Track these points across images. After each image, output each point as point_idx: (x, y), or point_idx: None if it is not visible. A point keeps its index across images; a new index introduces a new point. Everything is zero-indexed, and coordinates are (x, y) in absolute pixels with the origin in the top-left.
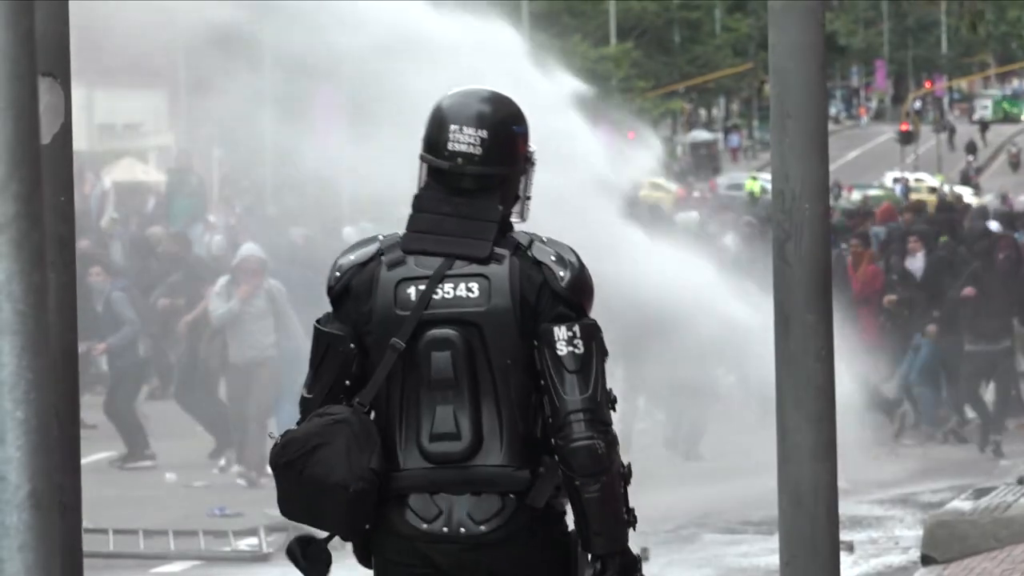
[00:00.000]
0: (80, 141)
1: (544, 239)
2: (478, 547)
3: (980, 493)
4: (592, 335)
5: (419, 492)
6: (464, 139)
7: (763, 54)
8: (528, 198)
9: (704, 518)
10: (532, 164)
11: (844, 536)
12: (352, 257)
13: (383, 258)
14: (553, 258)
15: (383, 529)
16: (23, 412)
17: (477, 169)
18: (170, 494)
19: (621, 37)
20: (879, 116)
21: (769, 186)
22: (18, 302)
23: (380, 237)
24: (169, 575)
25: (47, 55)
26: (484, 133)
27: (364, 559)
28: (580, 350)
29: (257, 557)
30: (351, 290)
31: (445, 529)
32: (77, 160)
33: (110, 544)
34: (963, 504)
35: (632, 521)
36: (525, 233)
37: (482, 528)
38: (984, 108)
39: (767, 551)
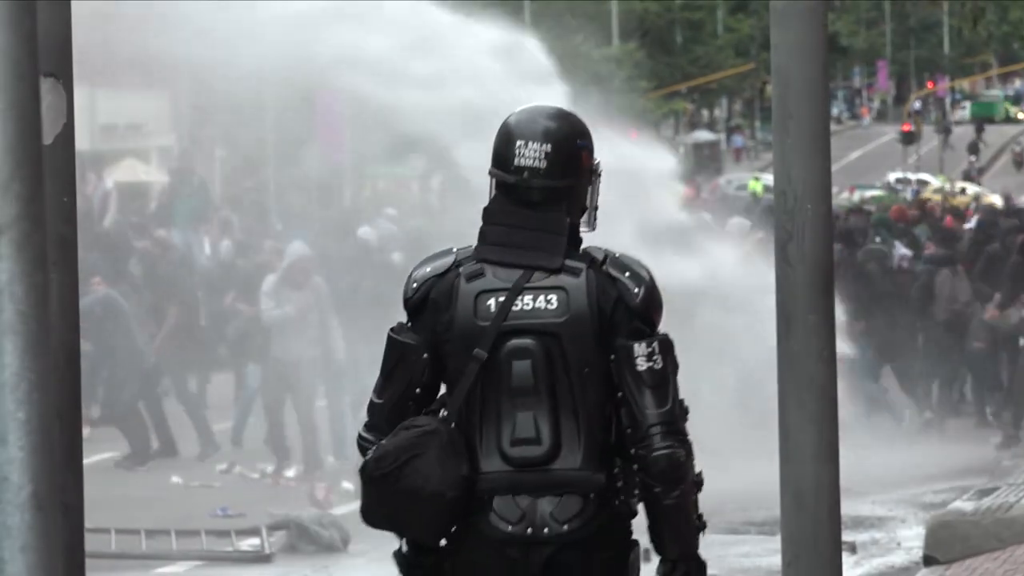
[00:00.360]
0: (82, 141)
1: (617, 255)
2: (561, 547)
3: (982, 493)
4: (667, 350)
5: (501, 495)
6: (530, 154)
7: (765, 55)
8: (596, 208)
9: (706, 518)
10: (597, 176)
11: (846, 536)
12: (428, 269)
13: (461, 270)
14: (628, 274)
15: (467, 532)
16: (25, 413)
17: (542, 182)
18: (172, 494)
19: (623, 37)
20: (881, 116)
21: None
22: (20, 303)
23: (454, 249)
24: (171, 575)
25: (49, 56)
26: (548, 147)
27: (413, 563)
28: (658, 365)
29: (259, 557)
30: (430, 301)
31: (530, 530)
32: (79, 161)
33: (112, 545)
34: (965, 504)
35: (702, 526)
36: (599, 248)
37: (565, 528)
38: (963, 109)
39: (769, 551)
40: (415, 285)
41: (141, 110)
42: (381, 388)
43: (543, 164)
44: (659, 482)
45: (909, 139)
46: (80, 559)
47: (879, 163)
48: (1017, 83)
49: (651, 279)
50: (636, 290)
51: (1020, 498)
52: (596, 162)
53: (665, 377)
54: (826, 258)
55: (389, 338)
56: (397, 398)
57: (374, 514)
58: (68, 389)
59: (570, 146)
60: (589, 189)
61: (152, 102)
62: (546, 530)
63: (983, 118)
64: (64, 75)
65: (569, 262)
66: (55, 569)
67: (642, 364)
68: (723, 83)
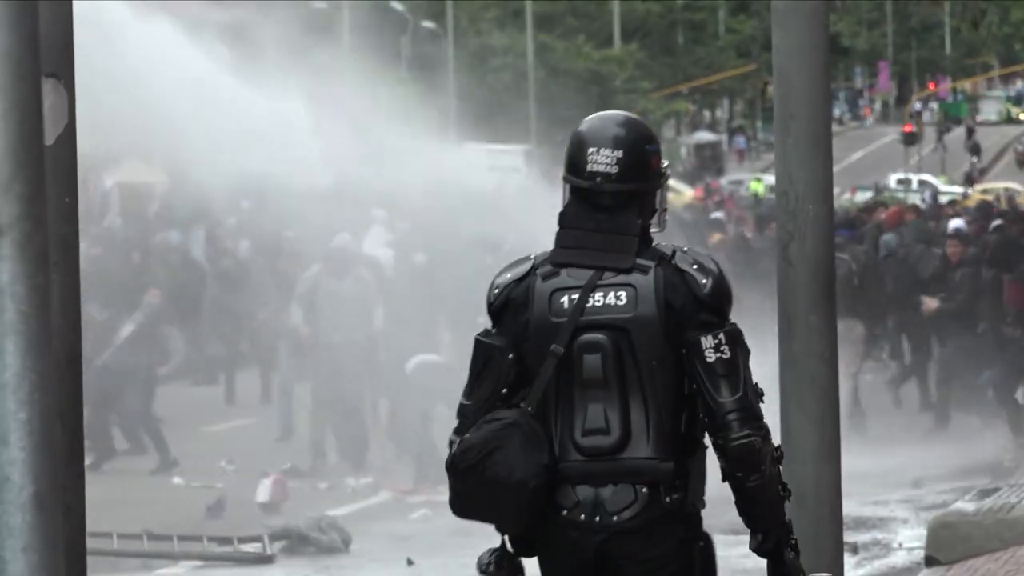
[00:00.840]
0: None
1: (685, 249)
2: (615, 534)
3: (984, 494)
4: (735, 339)
5: (572, 484)
6: (602, 160)
7: (767, 55)
8: (665, 210)
9: (706, 518)
10: (666, 179)
11: (848, 537)
12: (509, 275)
13: (537, 271)
14: (695, 267)
15: (543, 519)
16: (26, 413)
17: (614, 187)
18: (175, 496)
19: (625, 38)
20: (883, 117)
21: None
22: (21, 303)
23: (532, 256)
24: (174, 574)
25: (51, 56)
26: (620, 153)
27: (520, 549)
28: (727, 355)
29: (261, 559)
30: (510, 304)
31: (583, 516)
32: (80, 161)
33: (114, 546)
34: (967, 505)
35: (787, 495)
36: (668, 244)
37: (615, 519)
38: (930, 110)
39: None
40: (496, 291)
41: None
42: (470, 390)
43: (615, 169)
44: (739, 469)
45: (911, 140)
46: (81, 560)
47: (880, 164)
48: (1018, 84)
49: (719, 271)
50: (704, 281)
51: (1022, 499)
52: (665, 165)
53: (735, 365)
54: (827, 258)
55: (476, 342)
56: (485, 399)
57: (463, 505)
58: (69, 389)
59: (640, 151)
60: (658, 192)
61: None
62: (597, 518)
63: (952, 119)
64: (66, 75)
65: (639, 261)
66: (57, 569)
67: (711, 355)
68: (724, 84)
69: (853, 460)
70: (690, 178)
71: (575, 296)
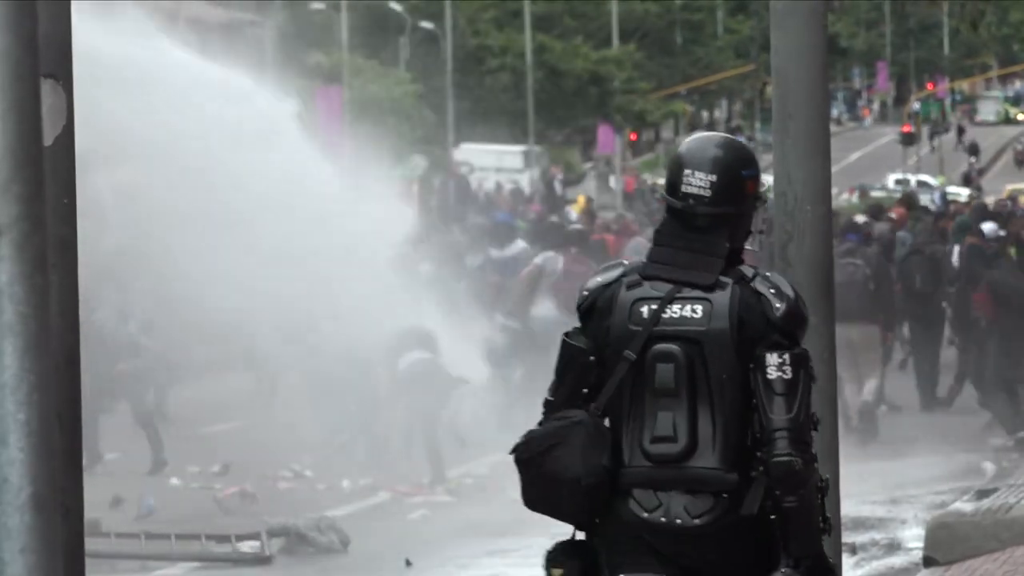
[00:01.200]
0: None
1: (767, 273)
2: (690, 538)
3: (982, 494)
4: (801, 363)
5: (641, 488)
6: (696, 182)
7: (765, 56)
8: (761, 232)
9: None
10: (764, 202)
11: (846, 538)
12: (599, 279)
13: (624, 279)
14: (772, 291)
15: (610, 518)
16: (25, 414)
17: (707, 209)
18: (173, 497)
19: (623, 39)
20: (881, 118)
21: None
22: (20, 304)
23: (624, 263)
24: (172, 575)
25: (49, 57)
26: (714, 177)
27: (590, 542)
28: (788, 375)
29: (259, 559)
30: (595, 308)
31: (663, 519)
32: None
33: (112, 545)
34: (965, 505)
35: (827, 529)
36: (751, 267)
37: (695, 522)
38: (868, 109)
39: None
40: (585, 293)
41: None
42: (554, 388)
43: (708, 192)
44: (777, 486)
45: (909, 140)
46: (80, 561)
47: (879, 164)
48: (1017, 84)
49: (795, 297)
50: (778, 305)
51: (1020, 499)
52: (764, 188)
53: (794, 387)
54: (826, 259)
55: (562, 341)
56: (567, 397)
57: (527, 495)
58: (68, 390)
59: (734, 175)
60: (755, 215)
61: None
62: (678, 521)
63: (928, 121)
64: (64, 76)
65: (721, 278)
66: (55, 571)
67: (772, 372)
68: (723, 84)
69: (863, 465)
70: None
71: (654, 306)
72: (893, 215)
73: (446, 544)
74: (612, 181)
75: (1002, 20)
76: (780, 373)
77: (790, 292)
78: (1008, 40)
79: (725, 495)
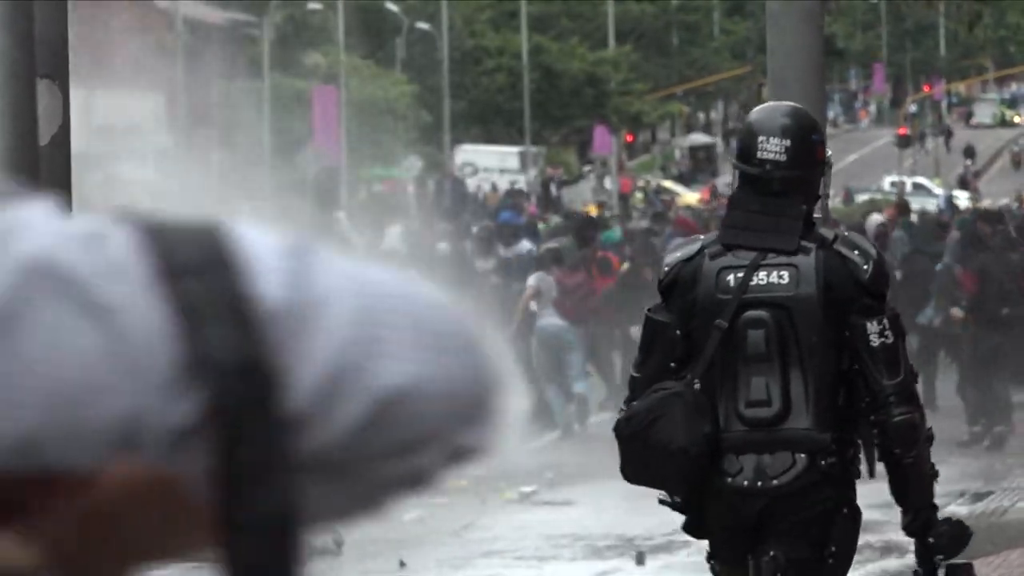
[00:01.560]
0: (78, 142)
1: (847, 234)
2: (772, 499)
3: (976, 498)
4: (895, 324)
5: (736, 452)
6: (771, 148)
7: (762, 57)
8: (827, 196)
9: None
10: (829, 167)
11: None
12: (678, 254)
13: (706, 251)
14: (856, 252)
15: (705, 486)
16: None
17: (783, 173)
18: None
19: (619, 40)
20: (878, 119)
21: None
22: None
23: (701, 237)
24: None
25: (46, 58)
26: (788, 142)
27: (691, 514)
28: (889, 340)
29: None
30: (678, 282)
31: (745, 483)
32: (75, 162)
33: None
34: (960, 509)
35: (935, 475)
36: (829, 230)
37: (774, 483)
38: (865, 112)
39: None
40: (666, 268)
41: (137, 111)
42: (640, 363)
43: (783, 157)
44: (898, 445)
45: (905, 143)
46: None
47: (875, 166)
48: (1013, 87)
49: (879, 255)
50: (865, 266)
51: (1014, 503)
52: (828, 154)
53: (896, 349)
54: None
55: (646, 318)
56: (653, 372)
57: (631, 469)
58: None
59: (807, 140)
60: (822, 180)
61: (148, 103)
62: (759, 483)
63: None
64: (60, 77)
65: (803, 243)
66: None
67: (875, 340)
68: (719, 85)
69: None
70: (685, 180)
71: (740, 275)
72: (885, 216)
73: (440, 545)
74: (608, 182)
75: (998, 22)
76: (883, 339)
77: (872, 251)
78: (1004, 42)
79: (805, 455)
